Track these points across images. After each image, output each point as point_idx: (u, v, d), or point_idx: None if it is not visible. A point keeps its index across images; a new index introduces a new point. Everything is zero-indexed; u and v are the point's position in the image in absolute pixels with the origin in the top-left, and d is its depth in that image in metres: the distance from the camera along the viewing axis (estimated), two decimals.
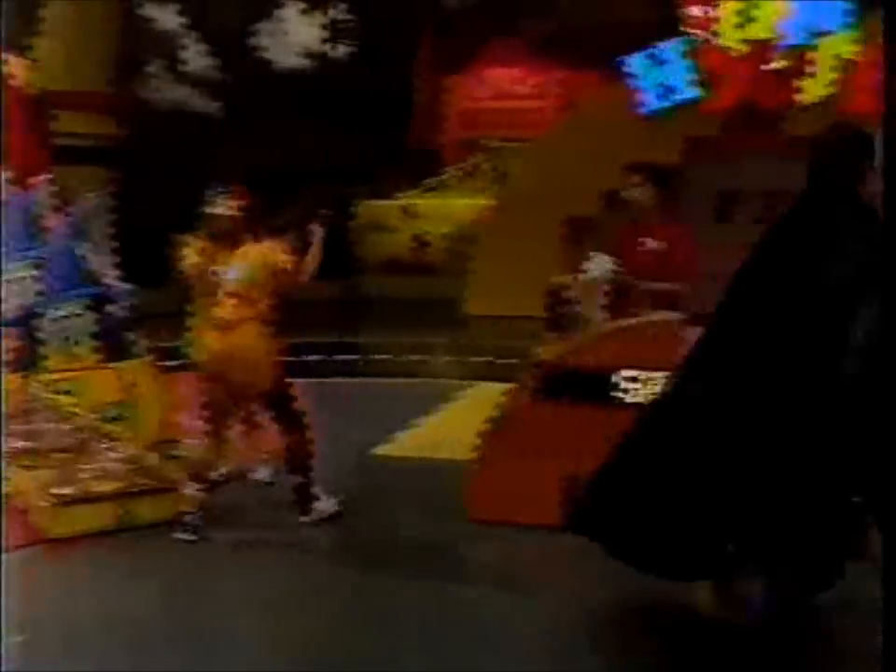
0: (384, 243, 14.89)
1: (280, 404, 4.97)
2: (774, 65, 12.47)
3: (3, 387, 5.00)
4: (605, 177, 9.19)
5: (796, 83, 12.38)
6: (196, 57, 16.89)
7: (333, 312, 13.14)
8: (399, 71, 17.72)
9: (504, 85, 17.67)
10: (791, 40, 12.45)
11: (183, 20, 16.75)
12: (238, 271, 4.96)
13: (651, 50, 13.25)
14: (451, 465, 5.55)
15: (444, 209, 15.03)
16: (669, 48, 13.10)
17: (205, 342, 4.96)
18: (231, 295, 4.91)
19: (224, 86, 16.78)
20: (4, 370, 5.07)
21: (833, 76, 12.25)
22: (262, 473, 5.72)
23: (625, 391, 4.70)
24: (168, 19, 16.69)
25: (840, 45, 12.25)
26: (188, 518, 4.83)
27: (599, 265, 5.03)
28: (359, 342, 10.53)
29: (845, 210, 3.61)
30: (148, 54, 16.41)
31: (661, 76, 13.03)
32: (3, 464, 4.87)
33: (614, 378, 4.69)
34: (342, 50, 18.09)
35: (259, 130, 15.81)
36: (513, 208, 13.16)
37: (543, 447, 4.79)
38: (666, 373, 4.57)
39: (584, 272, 5.08)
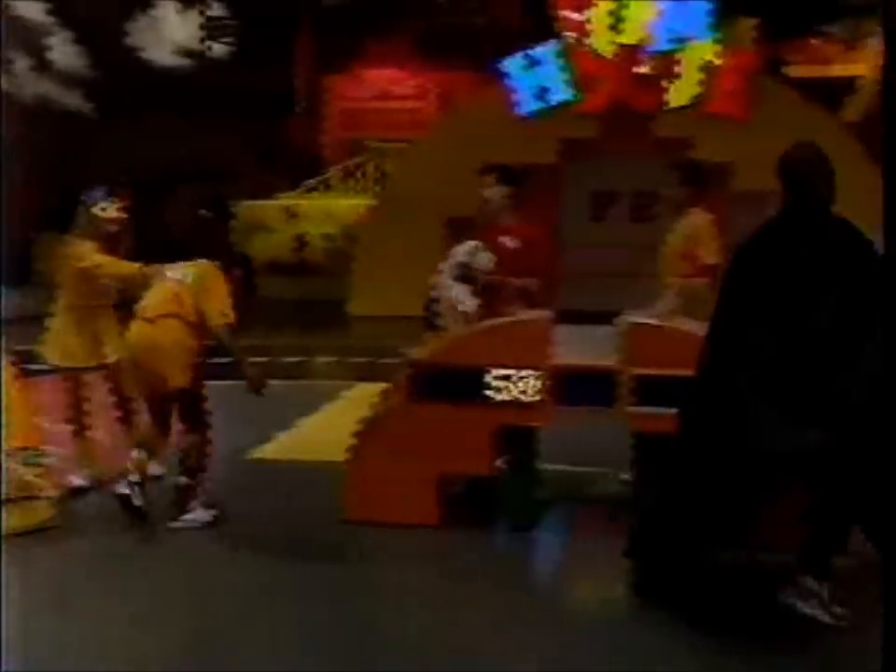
0: (265, 243, 14.67)
1: (191, 403, 4.99)
2: (643, 69, 12.81)
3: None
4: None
5: (665, 86, 12.74)
6: (67, 54, 16.31)
7: None
8: (279, 70, 17.48)
9: (385, 85, 17.63)
10: (659, 45, 12.82)
11: (53, 17, 16.16)
12: (186, 276, 4.98)
13: (526, 52, 13.43)
14: (328, 466, 5.48)
15: (326, 209, 14.90)
16: (544, 50, 13.29)
17: (128, 332, 4.99)
18: (167, 291, 4.97)
19: (97, 84, 16.25)
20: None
21: (699, 79, 12.66)
22: (154, 468, 5.58)
23: (497, 390, 4.71)
24: (37, 15, 16.07)
25: (704, 50, 12.67)
26: (132, 477, 4.86)
27: (457, 255, 5.07)
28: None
29: (832, 224, 3.81)
30: (16, 50, 15.76)
31: (536, 77, 13.21)
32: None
33: (485, 377, 4.70)
34: (219, 49, 17.75)
35: (135, 128, 15.37)
36: (395, 209, 13.14)
37: (416, 447, 4.76)
38: (536, 372, 4.63)
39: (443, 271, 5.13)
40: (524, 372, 4.66)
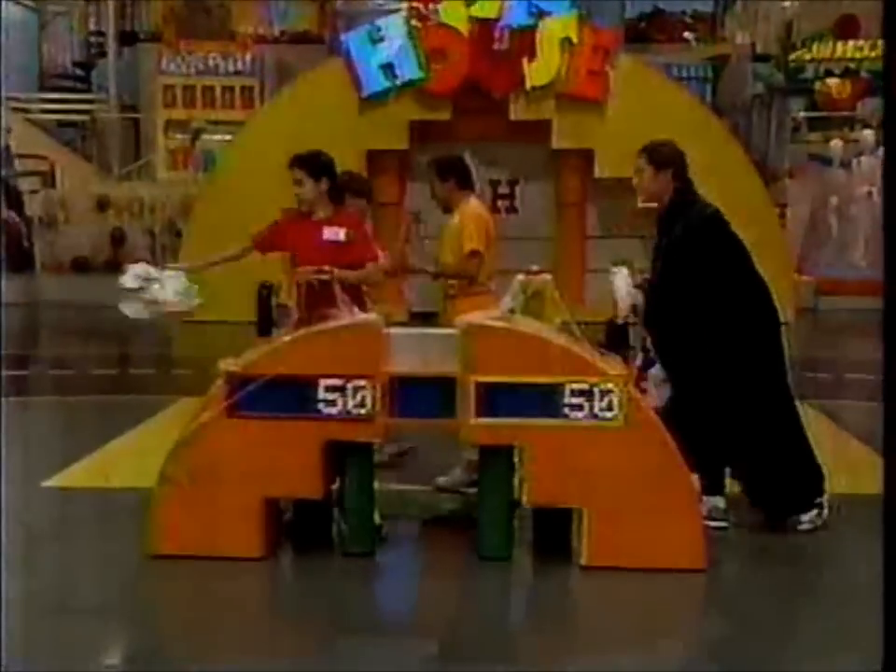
0: (70, 239, 14.22)
1: None
2: (499, 46, 13.02)
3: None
4: None
5: (522, 65, 12.98)
6: None
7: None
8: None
9: (212, 59, 17.33)
10: (517, 19, 13.06)
11: None
12: None
13: (370, 27, 13.45)
14: (134, 493, 5.34)
15: (144, 200, 14.56)
16: (390, 24, 13.34)
17: None
18: None
19: None
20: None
21: (558, 58, 12.95)
22: None
23: (326, 402, 4.69)
24: None
25: (564, 26, 12.98)
26: None
27: None
28: (36, 354, 9.96)
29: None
30: None
31: (383, 53, 13.23)
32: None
33: (313, 388, 4.67)
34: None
35: None
36: (225, 199, 12.94)
37: (236, 468, 4.69)
38: (369, 381, 4.63)
39: None
40: (355, 383, 4.65)
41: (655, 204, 5.21)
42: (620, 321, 5.19)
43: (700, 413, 5.04)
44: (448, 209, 5.92)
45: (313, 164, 5.36)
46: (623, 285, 5.13)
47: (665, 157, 5.12)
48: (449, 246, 5.86)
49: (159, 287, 5.29)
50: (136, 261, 5.71)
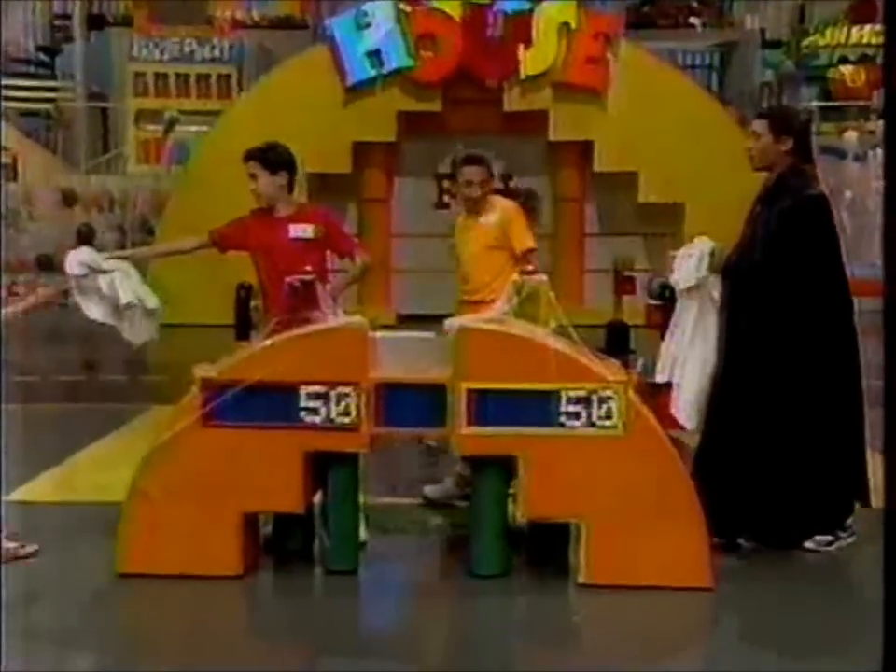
0: (34, 234, 14.23)
1: None
2: (493, 32, 13.07)
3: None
4: (310, 158, 9.22)
5: (517, 53, 13.03)
6: None
7: None
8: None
9: (188, 45, 17.36)
10: (512, 4, 13.11)
11: None
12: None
13: (356, 12, 13.48)
14: (104, 508, 5.35)
15: (113, 195, 14.59)
16: (377, 9, 13.38)
17: None
18: None
19: None
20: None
21: (555, 44, 13.01)
22: None
23: (311, 410, 4.72)
24: None
25: (562, 11, 13.04)
26: None
27: None
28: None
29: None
30: None
31: (370, 40, 13.27)
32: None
33: (295, 396, 4.70)
34: None
35: None
36: (199, 195, 12.96)
37: (212, 481, 4.71)
38: (353, 388, 4.66)
39: None
40: (339, 390, 4.68)
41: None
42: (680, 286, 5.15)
43: (743, 406, 4.98)
44: (478, 210, 5.88)
45: (267, 157, 5.32)
46: (694, 262, 5.07)
47: (788, 125, 5.08)
48: (484, 254, 5.80)
49: (109, 281, 5.22)
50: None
